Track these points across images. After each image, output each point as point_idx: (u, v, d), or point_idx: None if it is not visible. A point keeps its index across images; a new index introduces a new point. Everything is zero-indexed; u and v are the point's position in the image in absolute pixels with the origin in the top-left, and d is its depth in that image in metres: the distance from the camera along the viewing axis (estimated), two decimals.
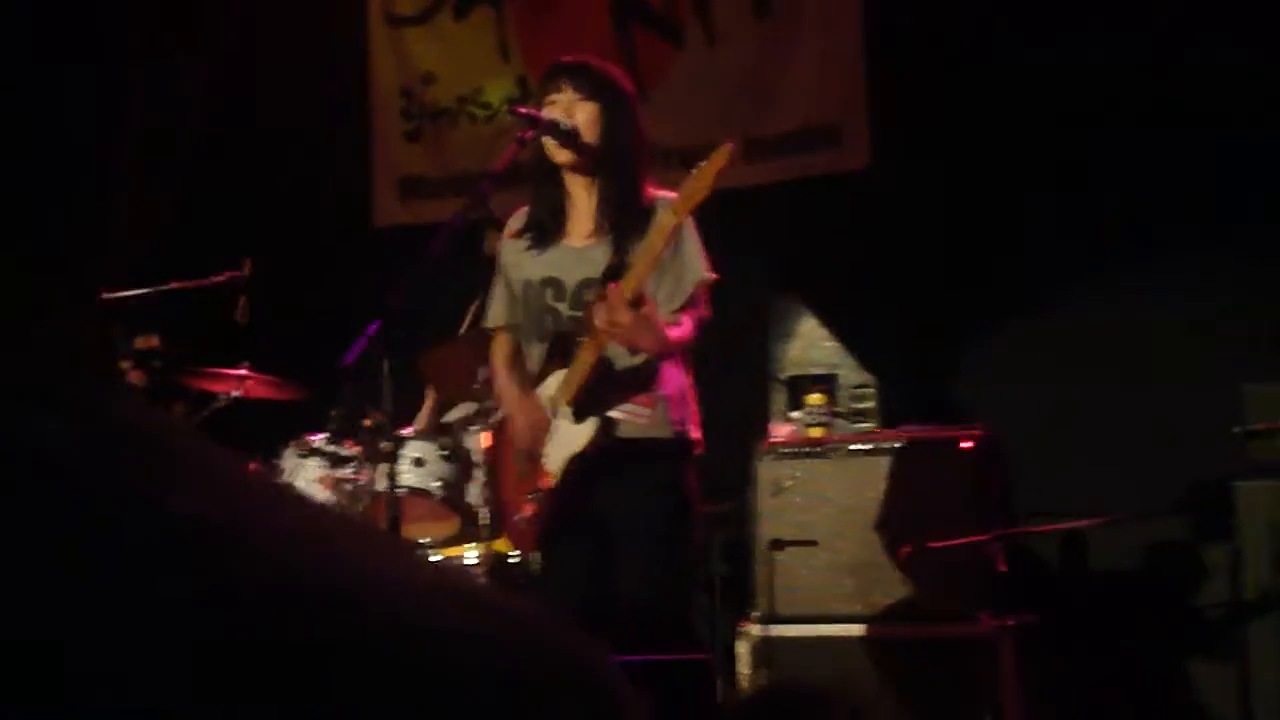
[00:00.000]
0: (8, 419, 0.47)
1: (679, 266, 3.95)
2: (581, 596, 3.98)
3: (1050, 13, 5.61)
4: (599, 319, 3.72)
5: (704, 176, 3.74)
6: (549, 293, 4.03)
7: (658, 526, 3.91)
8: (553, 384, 4.01)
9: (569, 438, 3.94)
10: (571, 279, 4.01)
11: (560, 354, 4.01)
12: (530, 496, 4.03)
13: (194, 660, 0.44)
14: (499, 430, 4.23)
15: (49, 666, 0.43)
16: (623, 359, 3.93)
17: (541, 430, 4.00)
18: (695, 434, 4.02)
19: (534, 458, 4.02)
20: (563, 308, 4.01)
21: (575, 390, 3.92)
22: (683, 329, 3.92)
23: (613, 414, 3.93)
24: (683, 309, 3.94)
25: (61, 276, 0.52)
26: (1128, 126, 5.45)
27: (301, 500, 0.52)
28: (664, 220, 3.76)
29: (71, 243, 0.52)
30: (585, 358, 3.88)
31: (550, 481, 3.98)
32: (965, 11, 5.71)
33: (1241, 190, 5.31)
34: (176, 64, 0.55)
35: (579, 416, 3.93)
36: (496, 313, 4.18)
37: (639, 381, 3.94)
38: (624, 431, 3.94)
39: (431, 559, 4.76)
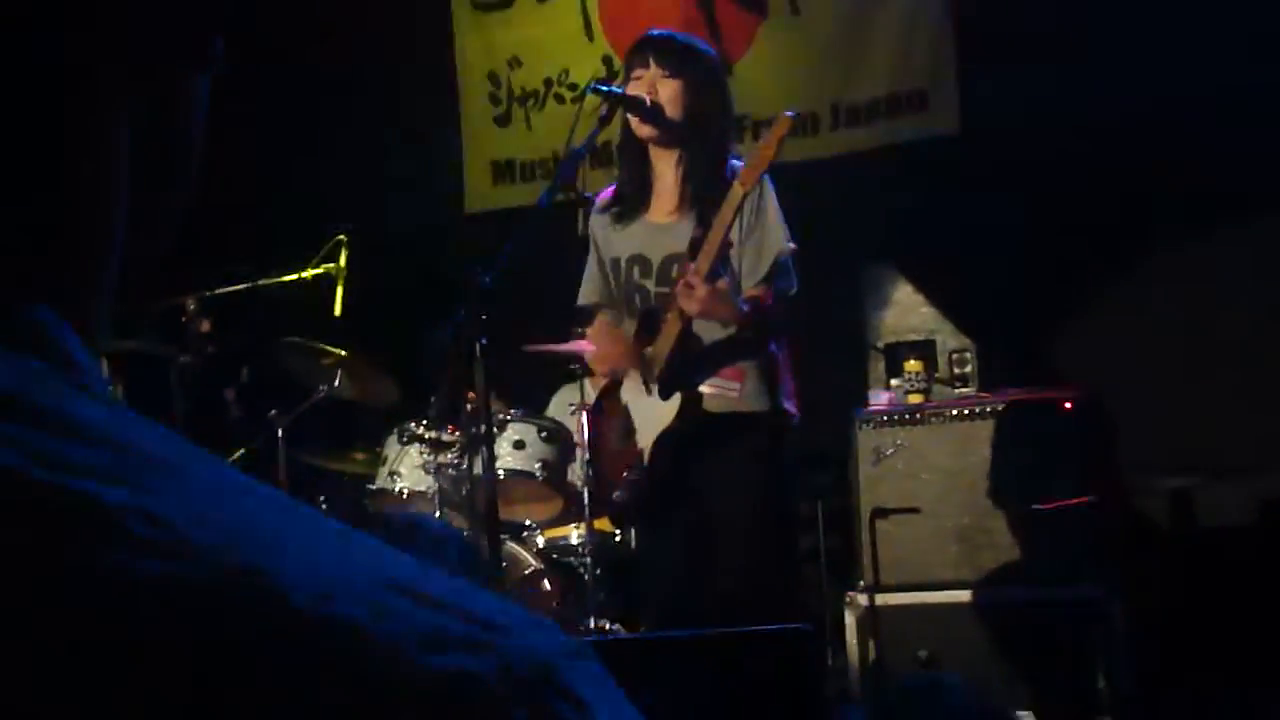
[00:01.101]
0: None
1: (760, 238, 3.94)
2: (681, 573, 3.99)
3: None
4: (677, 293, 3.76)
5: (766, 147, 3.76)
6: (636, 270, 4.05)
7: (754, 500, 3.92)
8: (639, 361, 4.03)
9: (656, 414, 3.95)
10: (657, 255, 4.02)
11: (648, 331, 4.02)
12: (626, 475, 4.05)
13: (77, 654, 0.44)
14: (598, 407, 4.25)
15: None
16: (710, 333, 3.93)
17: (623, 357, 4.02)
18: (790, 407, 4.01)
19: (629, 434, 4.03)
20: (650, 284, 4.03)
21: (659, 367, 3.93)
22: (765, 301, 3.92)
23: (702, 389, 3.93)
24: (765, 280, 3.94)
25: (41, 285, 0.53)
26: (1223, 86, 5.35)
27: (270, 500, 0.52)
28: (732, 193, 3.77)
29: (53, 254, 0.54)
30: (669, 333, 3.90)
31: (643, 458, 3.99)
32: None
33: None
34: (172, 84, 0.56)
35: (665, 393, 3.94)
36: (588, 290, 4.21)
37: (727, 355, 3.95)
38: (714, 406, 3.94)
39: (534, 542, 4.79)
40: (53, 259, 0.54)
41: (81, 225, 0.55)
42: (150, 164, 0.56)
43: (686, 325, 3.88)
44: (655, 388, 3.96)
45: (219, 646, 0.45)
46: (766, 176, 3.93)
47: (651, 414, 3.98)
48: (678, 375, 3.93)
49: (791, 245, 3.97)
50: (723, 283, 3.78)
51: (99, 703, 0.44)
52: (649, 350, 3.99)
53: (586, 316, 4.29)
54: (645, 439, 3.99)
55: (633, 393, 4.08)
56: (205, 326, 4.90)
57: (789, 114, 3.83)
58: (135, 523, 0.46)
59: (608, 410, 4.19)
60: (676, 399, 3.92)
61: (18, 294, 0.52)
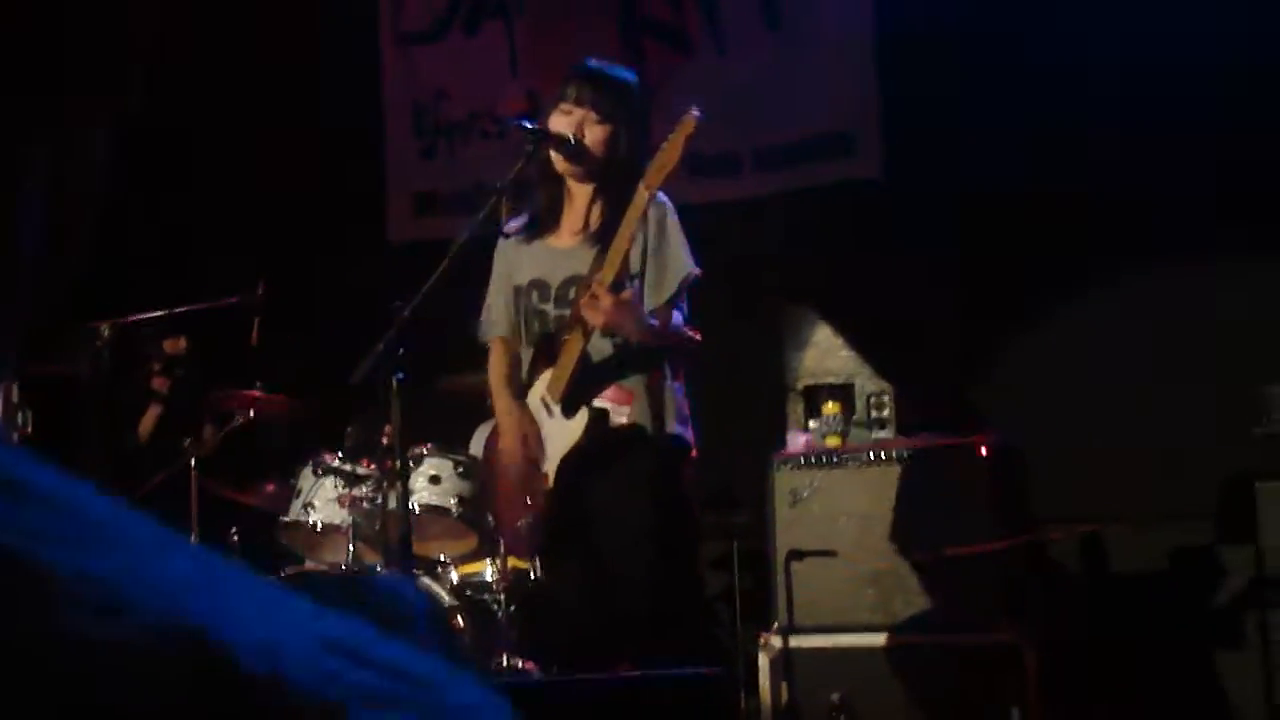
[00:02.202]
0: None
1: (663, 260, 3.94)
2: (585, 601, 3.97)
3: (1063, 16, 5.60)
4: (581, 304, 3.75)
5: (672, 148, 3.75)
6: (535, 294, 4.05)
7: (651, 524, 3.89)
8: (540, 385, 4.01)
9: (562, 433, 3.93)
10: (556, 278, 4.02)
11: (547, 355, 4.01)
12: (528, 505, 4.01)
13: None
14: (491, 444, 4.23)
15: None
16: (599, 352, 3.92)
17: (534, 444, 3.99)
18: (684, 434, 4.00)
19: (530, 467, 4.00)
20: (549, 309, 4.02)
21: (564, 385, 3.91)
22: (669, 321, 3.92)
23: (601, 410, 3.91)
24: (669, 303, 3.94)
25: None
26: (1137, 130, 5.43)
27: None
28: (637, 195, 3.77)
29: None
30: (571, 350, 3.88)
31: (549, 484, 3.96)
32: (977, 19, 5.69)
33: (1249, 190, 5.29)
34: (74, 131, 0.57)
35: (569, 411, 3.92)
36: (495, 321, 4.18)
37: (615, 374, 3.93)
38: (612, 426, 3.92)
39: (448, 578, 4.75)
40: None
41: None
42: (52, 204, 0.56)
43: (588, 342, 3.87)
44: (558, 408, 3.94)
45: (169, 708, 0.46)
46: (667, 201, 3.94)
47: (558, 434, 3.95)
48: (579, 393, 3.91)
49: (697, 270, 3.97)
50: (628, 293, 3.77)
51: None
52: (550, 371, 3.97)
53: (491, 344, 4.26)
54: (553, 462, 3.96)
55: (539, 416, 4.04)
56: (179, 346, 4.85)
57: (695, 113, 3.79)
58: (77, 585, 0.47)
59: (511, 439, 4.14)
60: (583, 416, 3.89)
61: None
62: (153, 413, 5.43)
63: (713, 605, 5.16)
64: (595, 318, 3.75)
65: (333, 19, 6.70)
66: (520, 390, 4.08)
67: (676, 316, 3.95)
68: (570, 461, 3.91)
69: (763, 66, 6.16)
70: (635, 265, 3.91)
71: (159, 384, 5.13)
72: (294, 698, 0.47)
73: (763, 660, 4.96)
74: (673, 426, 3.95)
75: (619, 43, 6.33)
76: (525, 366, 4.09)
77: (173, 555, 0.51)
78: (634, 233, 3.79)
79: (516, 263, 4.10)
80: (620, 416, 3.90)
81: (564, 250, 4.02)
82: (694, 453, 4.03)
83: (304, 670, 0.47)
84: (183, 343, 4.95)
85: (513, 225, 4.15)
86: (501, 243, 4.15)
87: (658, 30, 6.40)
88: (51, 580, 0.47)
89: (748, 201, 6.06)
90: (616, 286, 3.74)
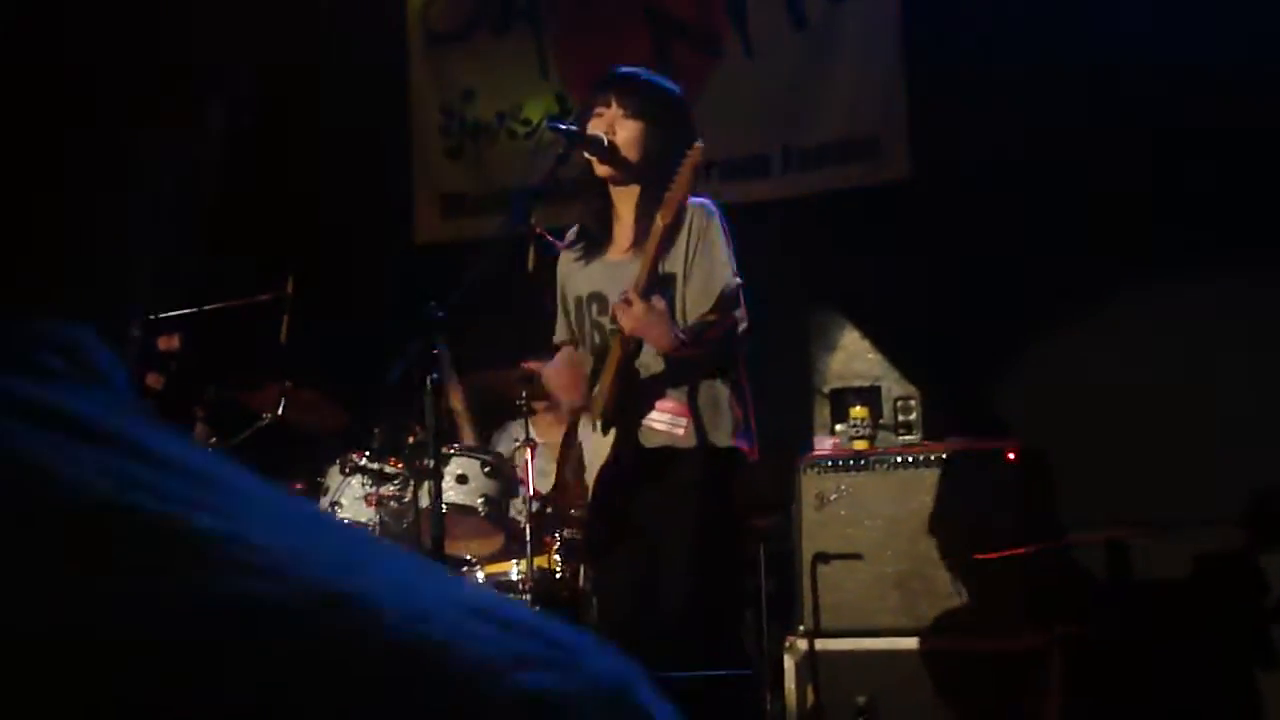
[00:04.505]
0: (23, 439, 0.50)
1: (705, 270, 3.93)
2: (627, 611, 3.97)
3: (1090, 20, 5.59)
4: (614, 309, 3.77)
5: (680, 180, 3.78)
6: (595, 307, 4.04)
7: (695, 536, 3.89)
8: (588, 397, 4.02)
9: (599, 449, 3.94)
10: (613, 293, 4.01)
11: (592, 366, 4.02)
12: (574, 513, 4.03)
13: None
14: (564, 443, 4.22)
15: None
16: (651, 367, 3.92)
17: (578, 389, 4.01)
18: (741, 444, 3.99)
19: (581, 471, 4.02)
20: (606, 321, 4.02)
21: (605, 401, 3.91)
22: (714, 334, 3.91)
23: (648, 423, 3.91)
24: (713, 312, 3.93)
25: (72, 313, 0.55)
26: (1166, 131, 5.42)
27: (335, 524, 0.54)
28: (654, 225, 3.79)
29: (75, 286, 0.56)
30: (610, 365, 3.89)
31: (587, 494, 3.97)
32: (1005, 22, 5.68)
33: None
34: (184, 128, 0.59)
35: (606, 428, 3.93)
36: (558, 329, 4.19)
37: (669, 389, 3.94)
38: (656, 440, 3.91)
39: (474, 578, 4.76)
40: (86, 280, 0.56)
41: (112, 247, 0.57)
42: (168, 192, 0.59)
43: (627, 357, 3.87)
44: (599, 423, 3.95)
45: (328, 667, 0.47)
46: (716, 210, 3.95)
47: (596, 449, 3.97)
48: (620, 409, 3.91)
49: (737, 280, 3.96)
50: (659, 301, 3.78)
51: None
52: (601, 383, 3.98)
53: (532, 348, 4.29)
54: (591, 474, 3.97)
55: (585, 429, 4.07)
56: (173, 343, 4.85)
57: (698, 143, 3.83)
58: (235, 550, 0.48)
59: (566, 447, 4.17)
60: (613, 434, 3.90)
61: (58, 314, 0.55)
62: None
63: (739, 608, 5.16)
64: (627, 323, 3.76)
65: (361, 18, 6.72)
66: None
67: (719, 324, 3.93)
68: (604, 477, 3.91)
69: (790, 68, 6.17)
70: (678, 274, 3.91)
71: (153, 381, 5.12)
72: (446, 660, 0.48)
73: (788, 663, 4.97)
74: (725, 438, 3.93)
75: (650, 48, 6.34)
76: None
77: (320, 527, 0.53)
78: (662, 243, 3.79)
79: (573, 276, 4.10)
80: (678, 429, 3.89)
81: (618, 263, 4.01)
82: (751, 459, 4.02)
83: (454, 634, 0.49)
84: (176, 340, 4.95)
85: (568, 236, 4.16)
86: (562, 254, 4.16)
87: (686, 31, 6.40)
88: (211, 545, 0.48)
89: (775, 203, 6.06)
90: (647, 295, 3.75)
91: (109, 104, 0.56)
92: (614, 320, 3.94)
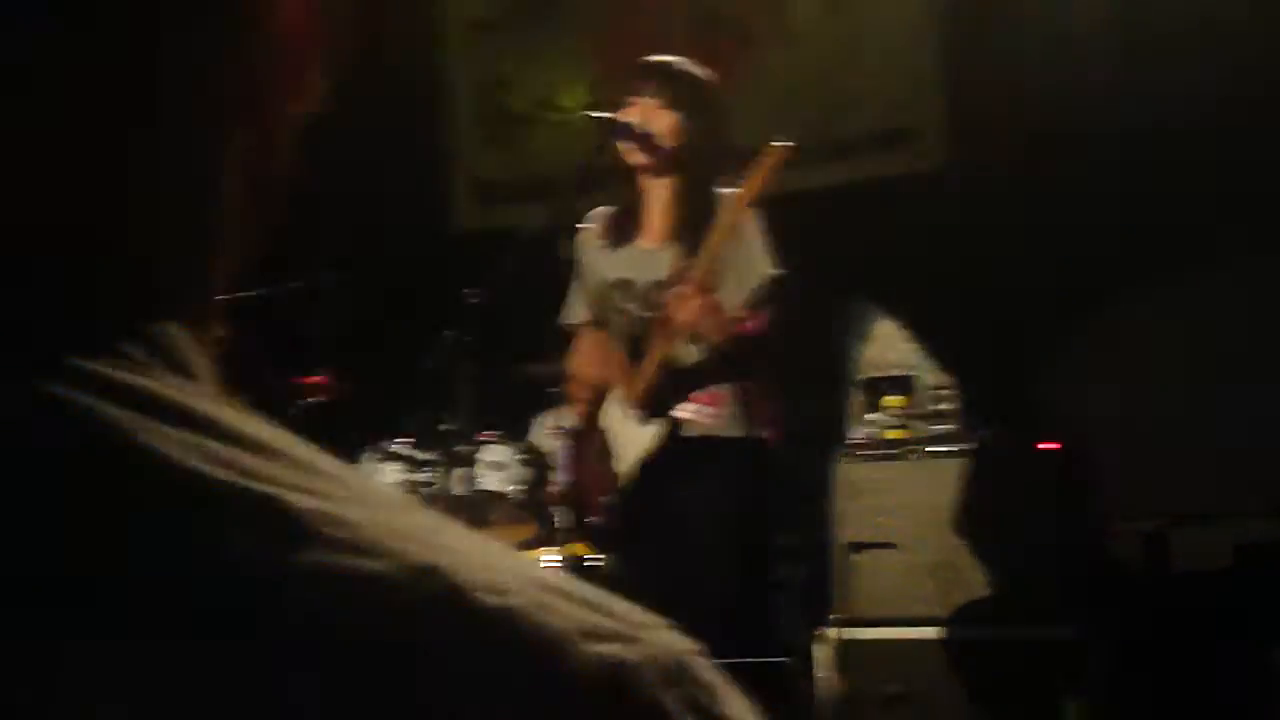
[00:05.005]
0: (126, 423, 0.53)
1: (743, 263, 3.94)
2: (659, 599, 3.98)
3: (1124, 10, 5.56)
4: (670, 303, 3.76)
5: (759, 173, 3.76)
6: (621, 293, 4.05)
7: (730, 526, 3.90)
8: (619, 386, 4.02)
9: (636, 438, 3.95)
10: (642, 280, 4.02)
11: (631, 356, 4.02)
12: (603, 500, 4.04)
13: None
14: (578, 431, 4.24)
15: None
16: (688, 357, 3.93)
17: (609, 366, 4.01)
18: (771, 433, 4.00)
19: (606, 458, 4.03)
20: (633, 308, 4.02)
21: (642, 390, 3.92)
22: (751, 324, 3.92)
23: (679, 413, 3.92)
24: (750, 305, 3.94)
25: (158, 303, 0.59)
26: (1201, 127, 5.38)
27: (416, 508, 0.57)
28: (722, 218, 3.78)
29: (165, 276, 0.60)
30: (654, 356, 3.89)
31: (621, 483, 3.98)
32: (1039, 10, 5.66)
33: None
34: (253, 127, 0.62)
35: (645, 417, 3.93)
36: (576, 310, 4.20)
37: (705, 380, 3.94)
38: (691, 430, 3.93)
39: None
40: (172, 278, 0.60)
41: (198, 246, 0.61)
42: (246, 191, 0.63)
43: (673, 347, 3.88)
44: (637, 412, 3.95)
45: (426, 636, 0.51)
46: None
47: (631, 437, 3.97)
48: (660, 399, 3.92)
49: (775, 272, 3.97)
50: (717, 296, 3.79)
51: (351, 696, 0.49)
52: (632, 374, 3.98)
53: (569, 335, 4.29)
54: (624, 463, 3.98)
55: (612, 416, 4.07)
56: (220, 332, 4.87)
57: (781, 144, 3.83)
58: (325, 525, 0.52)
59: (586, 434, 4.18)
60: (657, 423, 3.91)
61: (147, 310, 0.58)
62: None
63: (772, 597, 5.16)
64: (686, 316, 3.75)
65: (398, 3, 6.74)
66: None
67: (757, 316, 3.94)
68: (643, 467, 3.92)
69: (826, 57, 6.15)
70: (718, 266, 3.92)
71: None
72: (525, 629, 0.52)
73: (821, 652, 4.96)
74: (759, 428, 3.95)
75: (686, 36, 6.33)
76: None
77: (398, 506, 0.56)
78: (716, 237, 3.80)
79: (601, 260, 4.11)
80: (710, 419, 3.91)
81: (648, 252, 4.02)
82: (784, 448, 4.03)
83: (530, 606, 0.53)
84: (220, 330, 4.97)
85: (594, 223, 4.17)
86: (585, 237, 4.17)
87: (721, 19, 6.39)
88: (307, 523, 0.52)
89: (810, 193, 6.05)
90: (704, 289, 3.76)
91: (198, 104, 0.59)
92: (648, 308, 3.95)
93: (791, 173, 6.18)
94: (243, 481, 0.52)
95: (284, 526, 0.51)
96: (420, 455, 4.86)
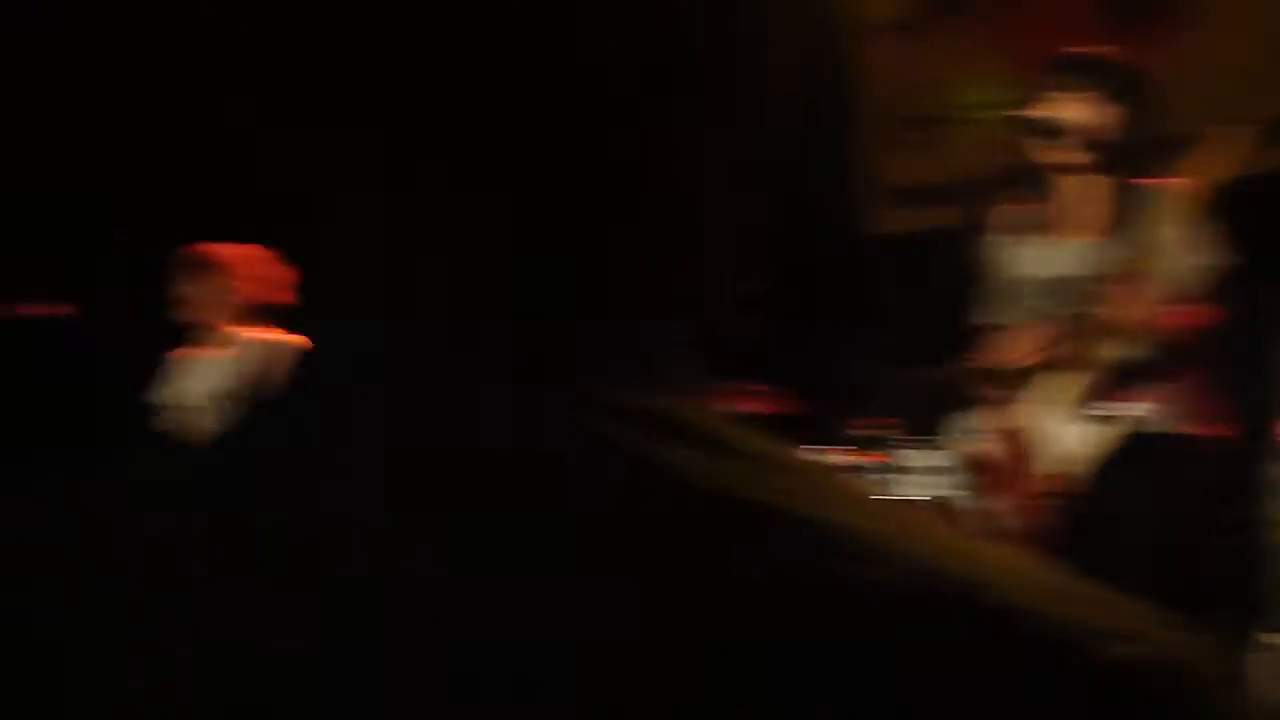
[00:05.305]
0: (650, 443, 0.55)
1: (1183, 255, 3.83)
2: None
3: None
4: (1116, 300, 3.69)
5: (1200, 162, 3.64)
6: (1047, 291, 4.00)
7: (1170, 528, 3.80)
8: (1053, 384, 3.97)
9: (1075, 438, 3.88)
10: (1074, 276, 3.96)
11: (1060, 353, 3.97)
12: (1042, 502, 4.00)
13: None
14: (1000, 432, 4.21)
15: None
16: (1125, 354, 3.84)
17: (1037, 349, 3.96)
18: (1210, 430, 3.88)
19: (1031, 459, 3.98)
20: (1064, 306, 3.97)
21: (1082, 390, 3.86)
22: (1182, 318, 3.80)
23: (1120, 412, 3.84)
24: (1191, 298, 3.82)
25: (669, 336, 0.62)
26: None
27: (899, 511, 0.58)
28: (1160, 209, 3.68)
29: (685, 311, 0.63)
30: (1090, 355, 3.83)
31: (1058, 486, 3.93)
32: None
33: None
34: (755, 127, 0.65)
35: (1086, 419, 3.87)
36: (992, 311, 4.17)
37: (1146, 377, 3.85)
38: (1129, 428, 3.84)
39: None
40: (655, 295, 0.62)
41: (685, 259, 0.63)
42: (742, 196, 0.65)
43: (1108, 345, 3.81)
44: (1075, 411, 3.89)
45: (942, 646, 0.52)
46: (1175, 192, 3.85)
47: (1069, 438, 3.91)
48: (1099, 398, 3.85)
49: (1202, 261, 3.84)
50: (1155, 290, 3.70)
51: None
52: (1063, 374, 3.92)
53: (986, 336, 4.26)
54: (1061, 464, 3.92)
55: (1038, 415, 4.01)
56: None
57: (1247, 129, 3.68)
58: (839, 535, 0.54)
59: (1009, 436, 4.14)
60: (1099, 423, 3.84)
61: (633, 325, 0.60)
62: None
63: (1208, 603, 4.98)
64: (1124, 311, 3.68)
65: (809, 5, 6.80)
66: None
67: (1188, 309, 3.84)
68: (1086, 468, 3.86)
69: (1263, 37, 5.88)
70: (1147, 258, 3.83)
71: None
72: (1041, 630, 0.53)
73: (1255, 661, 4.75)
74: (1199, 425, 3.84)
75: (1100, 21, 6.16)
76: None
77: (886, 509, 0.57)
78: (1163, 229, 3.71)
79: (1022, 258, 4.07)
80: (1147, 414, 3.83)
81: (1075, 247, 3.96)
82: (1224, 445, 3.91)
83: (1041, 607, 0.54)
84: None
85: (1013, 221, 4.14)
86: (1002, 236, 4.14)
87: (1141, 5, 6.20)
88: (825, 534, 0.53)
89: (1250, 179, 5.79)
90: (1142, 282, 3.69)
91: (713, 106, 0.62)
92: (1082, 305, 3.88)
93: (1230, 160, 5.93)
94: (750, 492, 0.54)
95: (805, 540, 0.53)
96: (852, 460, 4.89)
